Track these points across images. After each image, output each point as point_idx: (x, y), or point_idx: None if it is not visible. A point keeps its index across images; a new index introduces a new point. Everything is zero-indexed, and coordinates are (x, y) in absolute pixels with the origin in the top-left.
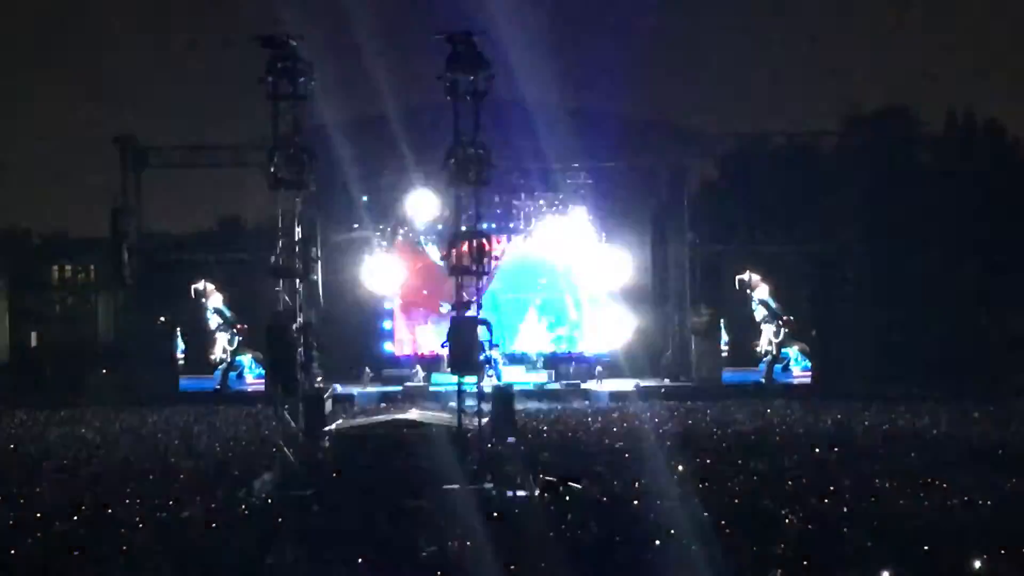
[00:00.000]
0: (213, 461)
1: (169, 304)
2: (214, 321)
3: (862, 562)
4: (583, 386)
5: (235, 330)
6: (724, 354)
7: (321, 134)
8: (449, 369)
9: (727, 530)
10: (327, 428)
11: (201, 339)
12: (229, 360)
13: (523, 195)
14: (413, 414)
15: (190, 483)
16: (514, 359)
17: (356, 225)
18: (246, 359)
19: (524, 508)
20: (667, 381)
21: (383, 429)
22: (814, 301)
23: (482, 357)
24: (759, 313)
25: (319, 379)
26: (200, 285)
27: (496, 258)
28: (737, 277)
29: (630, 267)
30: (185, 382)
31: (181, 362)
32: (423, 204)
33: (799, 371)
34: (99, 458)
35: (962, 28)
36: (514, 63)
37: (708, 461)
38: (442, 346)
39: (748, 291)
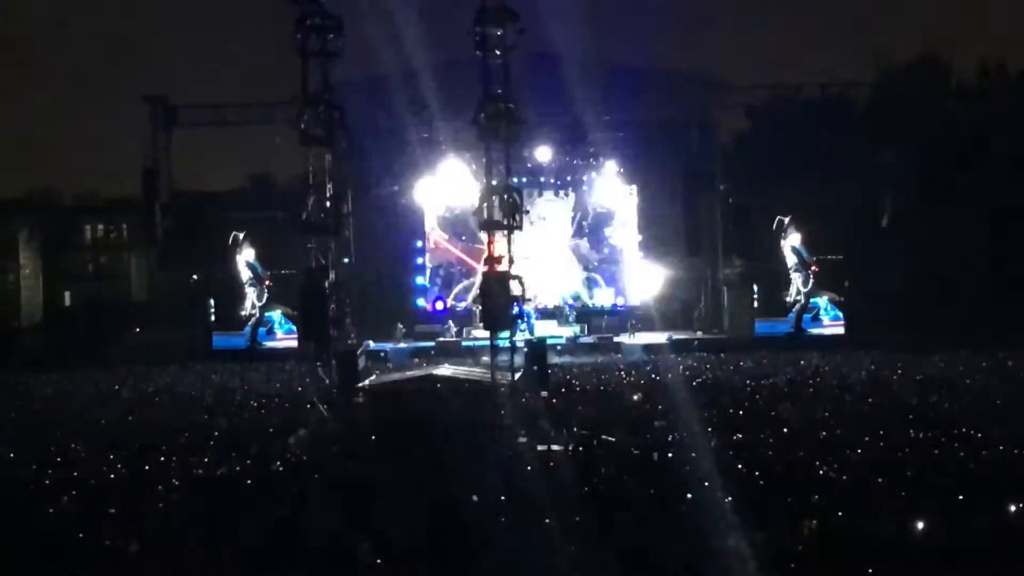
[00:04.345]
0: (247, 418)
1: (201, 262)
2: (245, 275)
3: (896, 512)
4: (616, 339)
5: (265, 285)
6: (755, 305)
7: (351, 90)
8: (481, 324)
9: (760, 482)
10: (360, 384)
11: (232, 294)
12: (258, 316)
13: (553, 149)
14: (446, 370)
15: (224, 441)
16: (546, 313)
17: (387, 181)
18: (275, 314)
19: (558, 462)
20: (700, 333)
21: (416, 385)
22: (846, 252)
23: (514, 312)
24: (790, 261)
25: (352, 335)
26: (239, 234)
27: (526, 212)
28: (777, 217)
29: (661, 219)
30: (218, 340)
31: (212, 319)
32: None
33: (828, 320)
34: (133, 417)
35: None
36: (543, 16)
37: (741, 413)
38: (474, 301)
39: (782, 236)
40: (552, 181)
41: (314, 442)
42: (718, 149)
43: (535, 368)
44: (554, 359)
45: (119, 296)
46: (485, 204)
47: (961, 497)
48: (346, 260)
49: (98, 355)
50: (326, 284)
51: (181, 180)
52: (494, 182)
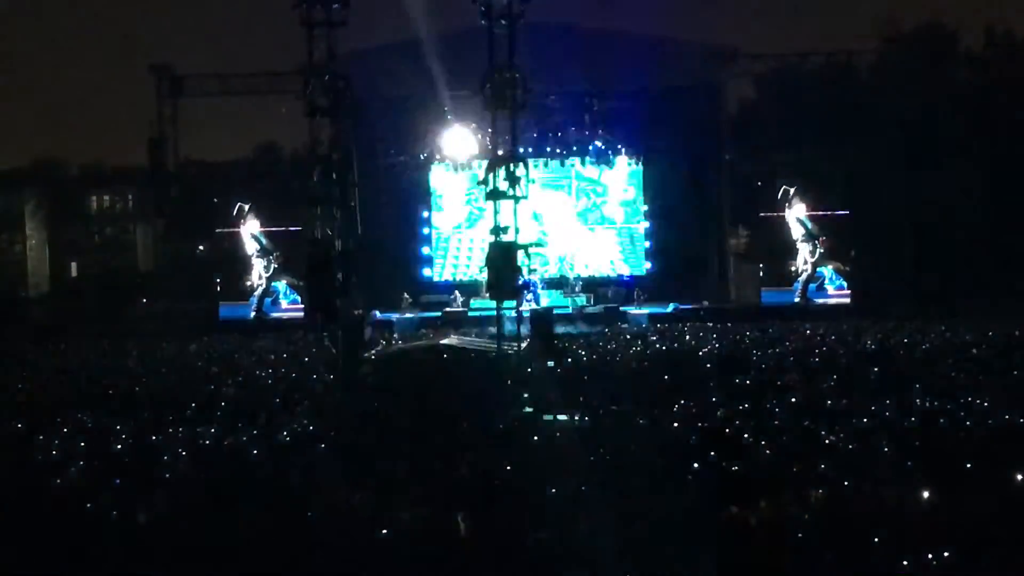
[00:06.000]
0: (254, 389)
1: (207, 232)
2: (251, 246)
3: (902, 481)
4: (622, 309)
5: (271, 256)
6: (761, 275)
7: (357, 60)
8: (488, 294)
9: (767, 451)
10: (367, 354)
11: (238, 265)
12: (265, 286)
13: (558, 119)
14: (452, 339)
15: (231, 411)
16: (552, 283)
17: (393, 151)
18: (281, 285)
19: (564, 432)
20: (706, 303)
21: (422, 354)
22: (852, 221)
23: (520, 281)
24: (796, 231)
25: (358, 306)
26: (244, 205)
27: (532, 182)
28: (783, 187)
29: (666, 189)
30: (224, 310)
31: (219, 290)
32: (459, 139)
33: (834, 290)
34: (141, 387)
35: None
36: None
37: (748, 382)
38: (480, 271)
39: (787, 206)
40: (558, 151)
41: (319, 413)
42: (724, 118)
43: (541, 337)
44: (561, 328)
45: (125, 267)
46: (491, 174)
47: (968, 466)
48: (352, 230)
49: (105, 326)
50: (332, 254)
51: (187, 150)
52: (500, 152)
